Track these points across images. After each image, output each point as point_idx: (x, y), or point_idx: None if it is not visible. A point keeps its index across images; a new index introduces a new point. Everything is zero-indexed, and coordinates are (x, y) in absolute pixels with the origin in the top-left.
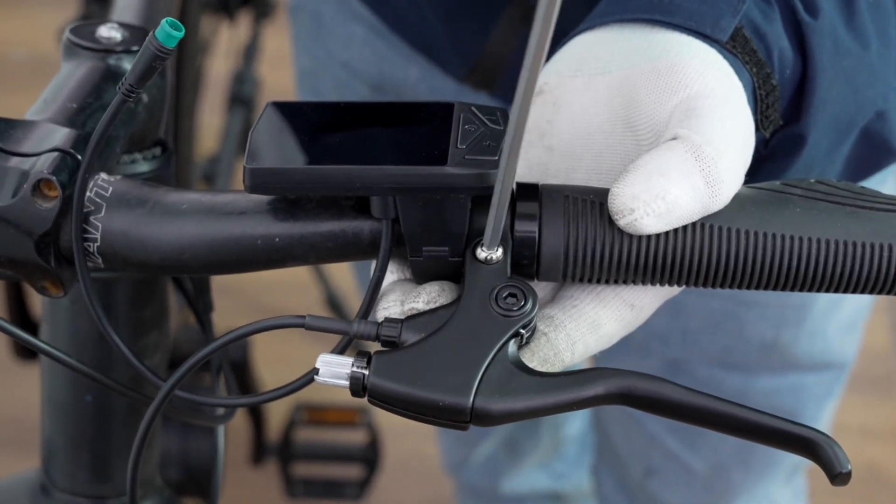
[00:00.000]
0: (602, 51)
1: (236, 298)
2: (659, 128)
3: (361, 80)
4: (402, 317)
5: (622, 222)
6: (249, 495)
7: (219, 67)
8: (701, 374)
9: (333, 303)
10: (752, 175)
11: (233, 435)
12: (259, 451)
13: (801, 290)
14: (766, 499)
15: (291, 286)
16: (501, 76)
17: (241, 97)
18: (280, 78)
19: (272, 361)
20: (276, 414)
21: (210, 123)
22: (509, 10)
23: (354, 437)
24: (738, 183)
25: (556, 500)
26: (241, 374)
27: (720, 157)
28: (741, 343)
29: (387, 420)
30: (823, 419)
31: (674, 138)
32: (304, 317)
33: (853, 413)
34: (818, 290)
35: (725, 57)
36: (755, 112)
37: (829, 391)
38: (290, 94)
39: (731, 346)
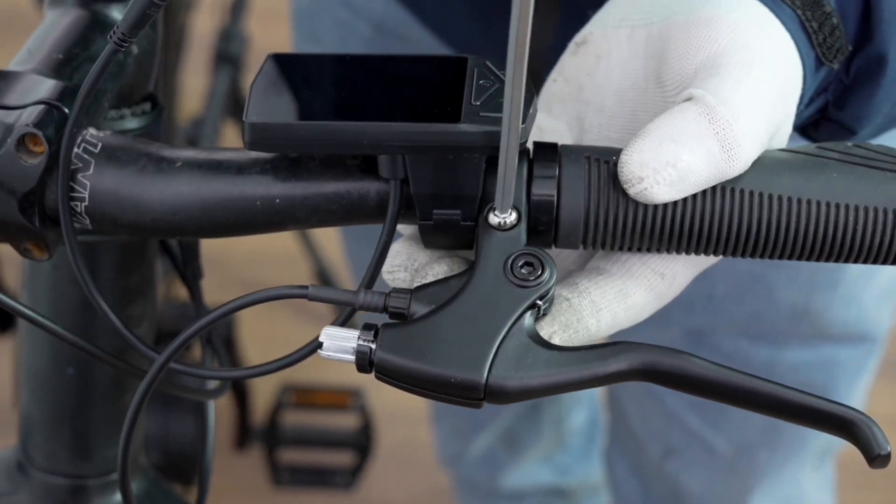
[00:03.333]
0: (647, 0)
1: (219, 272)
2: (686, 85)
3: (364, 19)
4: (409, 283)
5: (632, 191)
6: (232, 482)
7: (204, 24)
8: (725, 346)
9: (324, 276)
10: (841, 107)
11: (216, 418)
12: (243, 435)
13: (836, 260)
14: (793, 484)
15: (277, 259)
16: (545, 74)
17: (227, 55)
18: (270, 35)
19: (258, 340)
20: (262, 395)
21: (194, 83)
22: None
23: (345, 422)
24: (757, 146)
25: (560, 496)
26: (226, 352)
27: (736, 119)
28: (770, 309)
29: (380, 404)
30: (856, 397)
31: (689, 99)
32: (306, 287)
33: (882, 402)
34: (856, 261)
35: (765, 2)
36: (811, 47)
37: (862, 366)
38: (281, 51)
39: (758, 312)
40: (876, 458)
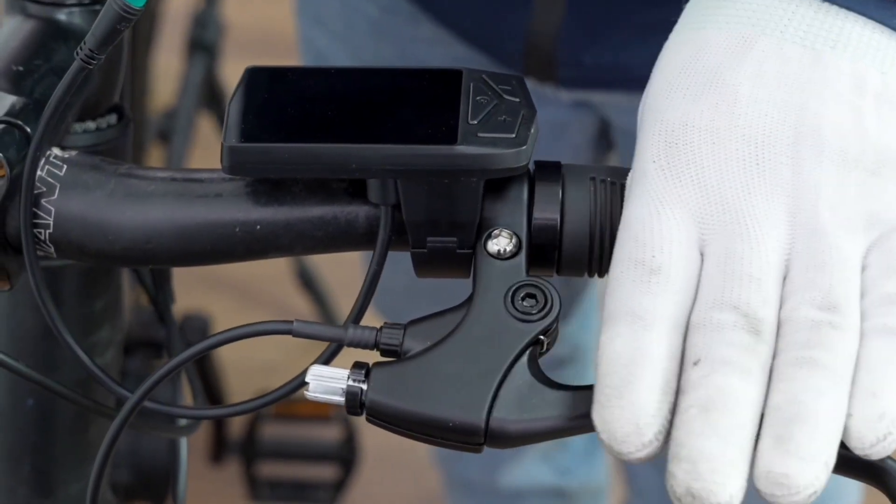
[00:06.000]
0: None
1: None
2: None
3: (371, 0)
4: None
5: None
6: (207, 498)
7: (177, 7)
8: None
9: (305, 277)
10: None
11: None
12: (219, 447)
13: None
14: None
15: None
16: (561, 62)
17: (202, 43)
18: (248, 21)
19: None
20: None
21: (167, 67)
22: None
23: (328, 433)
24: None
25: (560, 497)
26: (199, 361)
27: None
28: None
29: None
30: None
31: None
32: (291, 322)
33: None
34: None
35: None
36: None
37: None
38: (260, 39)
39: None
40: None
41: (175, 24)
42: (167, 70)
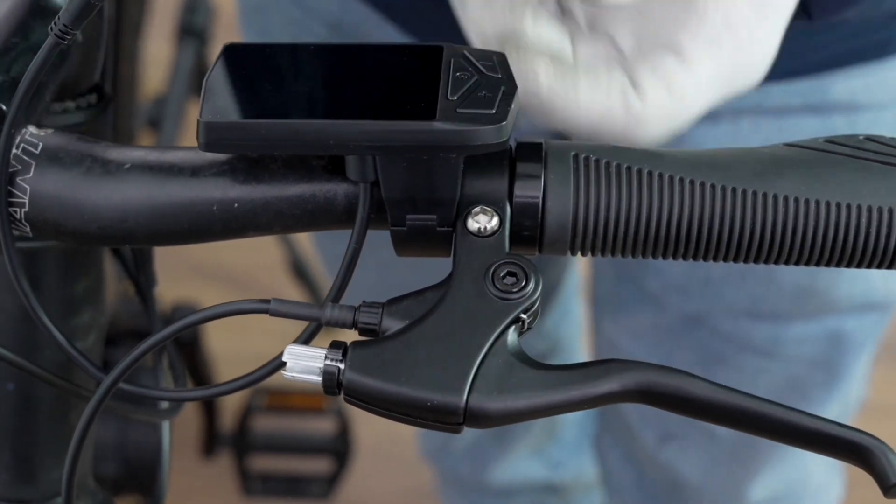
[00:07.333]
0: None
1: (174, 255)
2: None
3: (318, 19)
4: None
5: None
6: (198, 492)
7: None
8: (725, 328)
9: (298, 267)
10: None
11: (180, 421)
12: (211, 441)
13: (849, 265)
14: (797, 467)
15: (244, 243)
16: None
17: (192, 28)
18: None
19: (228, 326)
20: (231, 398)
21: (157, 53)
22: None
23: (321, 426)
24: None
25: (552, 492)
26: (190, 351)
27: None
28: (771, 291)
29: None
30: (861, 367)
31: None
32: (267, 301)
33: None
34: (869, 266)
35: None
36: None
37: (870, 335)
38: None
39: (759, 295)
40: (891, 488)
41: (165, 10)
42: (157, 56)
